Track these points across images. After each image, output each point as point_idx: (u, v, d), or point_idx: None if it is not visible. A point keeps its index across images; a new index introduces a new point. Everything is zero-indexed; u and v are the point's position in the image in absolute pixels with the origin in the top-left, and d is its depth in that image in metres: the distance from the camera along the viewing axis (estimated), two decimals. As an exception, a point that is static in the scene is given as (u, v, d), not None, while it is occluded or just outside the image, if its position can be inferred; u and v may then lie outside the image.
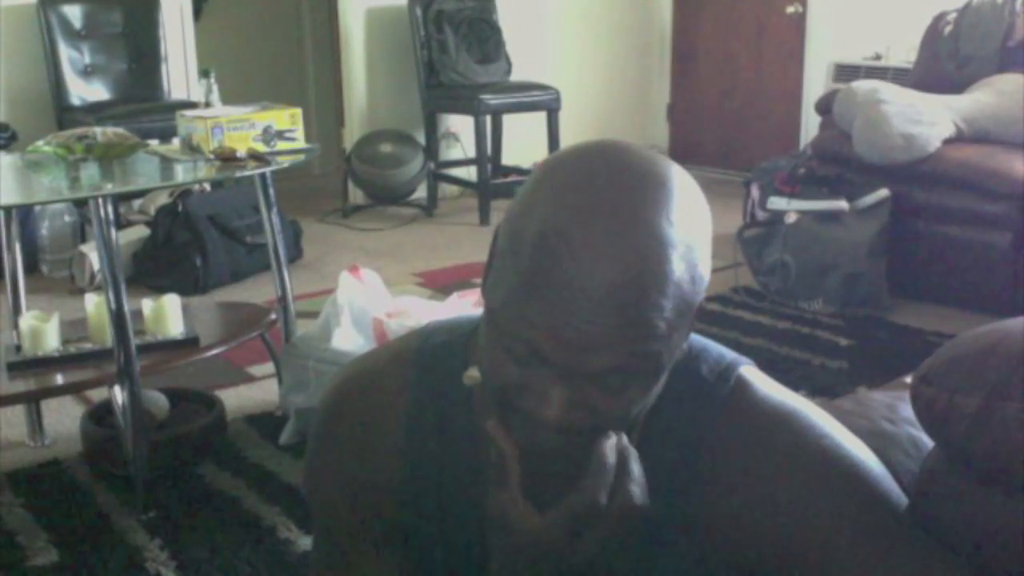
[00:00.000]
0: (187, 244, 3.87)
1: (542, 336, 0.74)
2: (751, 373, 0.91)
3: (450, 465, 0.93)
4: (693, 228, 0.76)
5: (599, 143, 0.80)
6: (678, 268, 0.74)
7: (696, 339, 0.92)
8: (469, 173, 5.14)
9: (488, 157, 5.00)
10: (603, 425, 0.79)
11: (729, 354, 0.92)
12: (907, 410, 1.07)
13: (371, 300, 2.51)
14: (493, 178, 5.04)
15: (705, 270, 0.78)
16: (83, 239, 4.11)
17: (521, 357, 0.76)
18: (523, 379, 0.77)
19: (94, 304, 2.37)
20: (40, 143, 2.46)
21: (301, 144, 2.53)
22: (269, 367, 2.85)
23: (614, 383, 0.76)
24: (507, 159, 5.32)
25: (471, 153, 5.10)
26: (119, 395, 2.19)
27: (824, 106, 4.04)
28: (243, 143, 2.42)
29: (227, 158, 2.38)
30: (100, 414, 2.49)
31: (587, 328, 0.73)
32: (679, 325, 0.76)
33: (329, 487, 0.97)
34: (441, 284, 3.87)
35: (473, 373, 0.88)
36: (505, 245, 0.78)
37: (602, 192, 0.75)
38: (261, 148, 2.44)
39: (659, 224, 0.74)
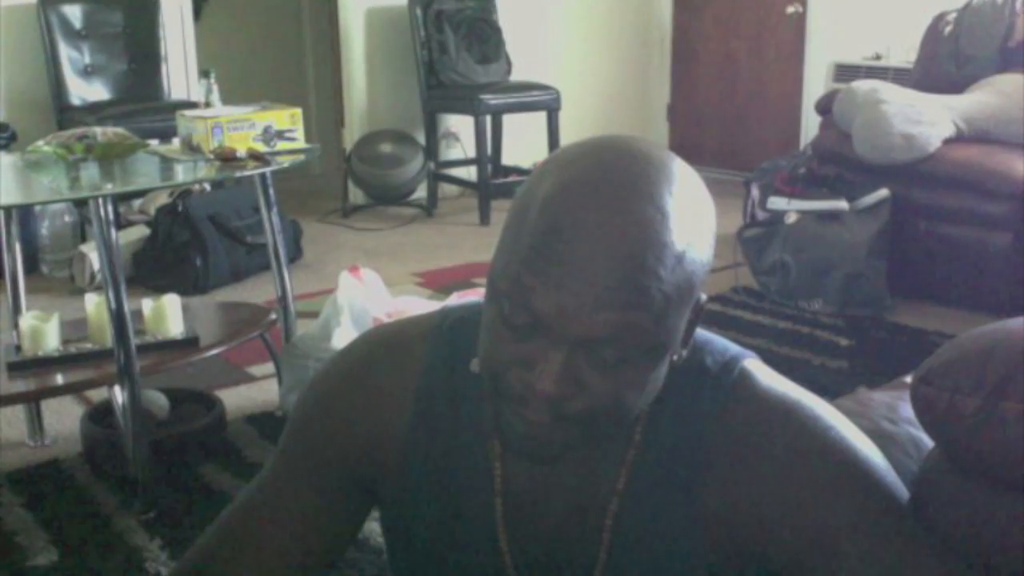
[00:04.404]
0: (187, 244, 3.88)
1: (540, 300, 0.75)
2: (755, 366, 0.91)
3: (455, 436, 0.94)
4: (695, 210, 0.78)
5: (606, 135, 0.83)
6: (678, 241, 0.75)
7: (700, 333, 0.92)
8: (469, 173, 5.14)
9: (488, 157, 5.00)
10: (593, 411, 0.78)
11: (733, 347, 0.93)
12: (907, 410, 1.07)
13: (371, 300, 2.51)
14: (493, 178, 5.04)
15: (707, 255, 0.79)
16: (83, 239, 4.11)
17: (520, 328, 0.77)
18: (519, 352, 0.78)
19: (94, 304, 2.36)
20: (40, 143, 2.46)
21: (301, 144, 2.52)
22: (269, 367, 2.85)
23: (608, 357, 0.76)
24: (507, 159, 5.32)
25: (471, 153, 5.10)
26: (119, 395, 2.19)
27: (824, 106, 4.04)
28: (243, 143, 2.42)
29: (227, 158, 2.38)
30: (100, 414, 2.49)
31: (584, 291, 0.74)
32: (676, 303, 0.77)
33: (319, 414, 0.99)
34: (441, 284, 3.87)
35: None
36: (509, 221, 0.80)
37: (607, 167, 0.77)
38: (261, 148, 2.44)
39: (661, 197, 0.76)
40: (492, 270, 0.81)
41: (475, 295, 2.59)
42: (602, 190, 0.75)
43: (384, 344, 0.99)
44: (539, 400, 0.77)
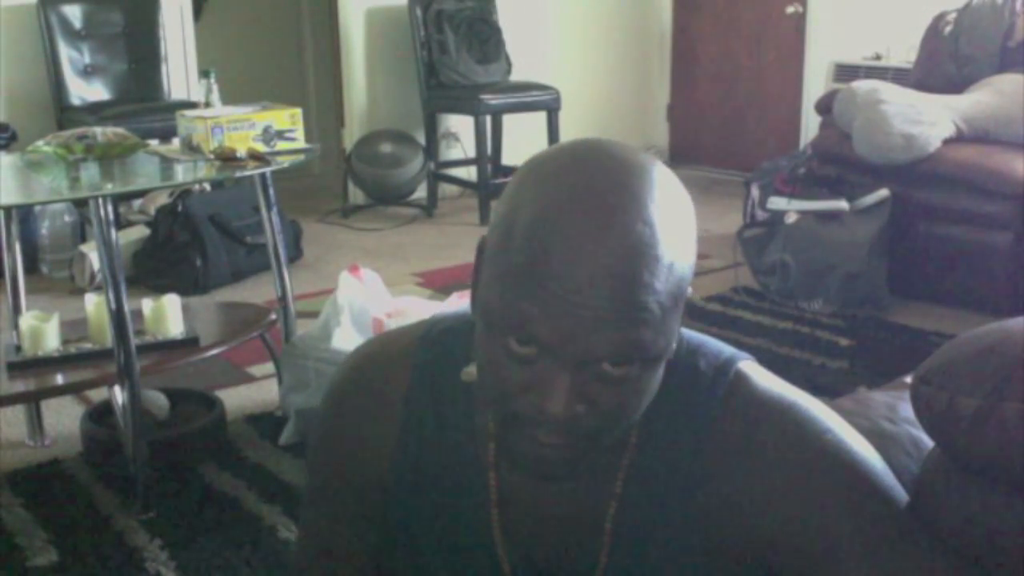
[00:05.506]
0: (187, 244, 3.87)
1: (540, 327, 0.74)
2: (750, 368, 0.91)
3: (444, 445, 0.94)
4: (678, 214, 0.78)
5: (579, 140, 0.82)
6: (668, 250, 0.75)
7: (693, 335, 0.92)
8: (469, 173, 5.14)
9: (488, 157, 5.00)
10: (603, 424, 0.79)
11: (727, 349, 0.92)
12: (907, 410, 1.07)
13: (371, 300, 2.51)
14: (493, 178, 5.04)
15: (692, 256, 0.79)
16: (83, 239, 4.11)
17: (521, 356, 0.77)
18: (525, 378, 0.77)
19: (94, 304, 2.37)
20: (40, 143, 2.46)
21: (301, 144, 2.52)
22: (269, 367, 2.85)
23: (613, 371, 0.76)
24: (507, 159, 5.32)
25: (471, 153, 5.10)
26: (119, 395, 2.19)
27: (824, 106, 4.04)
28: (243, 143, 2.42)
29: (227, 158, 2.38)
30: (100, 414, 2.49)
31: (583, 313, 0.73)
32: (672, 309, 0.77)
33: (329, 451, 1.00)
34: (441, 284, 3.87)
35: (472, 370, 0.88)
36: (494, 246, 0.79)
37: (588, 180, 0.76)
38: (261, 148, 2.44)
39: (647, 208, 0.75)
40: (484, 300, 0.79)
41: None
42: (588, 208, 0.74)
43: (371, 363, 0.99)
44: (551, 422, 0.77)
